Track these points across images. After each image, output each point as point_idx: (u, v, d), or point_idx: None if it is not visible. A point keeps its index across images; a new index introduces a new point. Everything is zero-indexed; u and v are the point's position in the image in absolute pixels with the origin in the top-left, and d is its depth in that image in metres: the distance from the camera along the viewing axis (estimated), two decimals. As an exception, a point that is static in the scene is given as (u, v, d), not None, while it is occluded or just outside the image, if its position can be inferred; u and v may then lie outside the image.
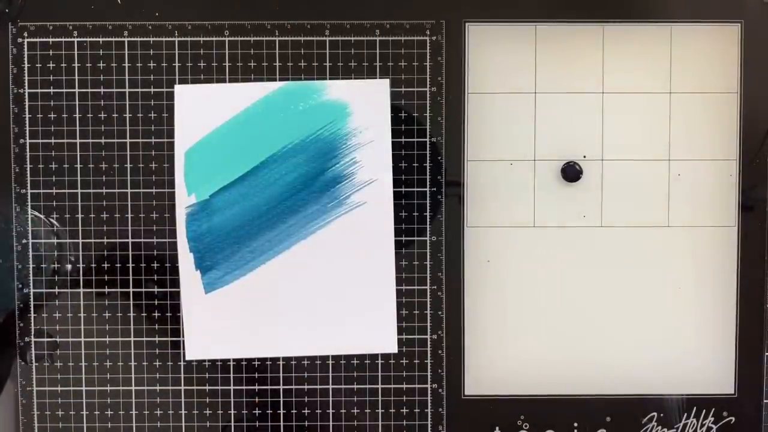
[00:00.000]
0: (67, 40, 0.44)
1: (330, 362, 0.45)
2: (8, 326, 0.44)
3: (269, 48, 0.44)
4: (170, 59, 0.44)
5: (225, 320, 0.44)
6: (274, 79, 0.44)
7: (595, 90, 0.44)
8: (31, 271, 0.44)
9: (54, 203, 0.44)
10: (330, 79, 0.44)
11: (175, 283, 0.44)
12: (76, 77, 0.44)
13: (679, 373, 0.45)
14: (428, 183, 0.44)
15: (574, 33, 0.44)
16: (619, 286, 0.45)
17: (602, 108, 0.44)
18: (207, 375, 0.45)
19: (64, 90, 0.44)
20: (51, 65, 0.44)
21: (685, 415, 0.45)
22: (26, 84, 0.44)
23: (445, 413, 0.45)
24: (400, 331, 0.45)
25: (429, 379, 0.45)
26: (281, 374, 0.45)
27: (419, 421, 0.45)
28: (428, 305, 0.45)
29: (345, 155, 0.44)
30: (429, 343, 0.45)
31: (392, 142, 0.44)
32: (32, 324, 0.44)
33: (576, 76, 0.44)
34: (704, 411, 0.45)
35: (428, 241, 0.44)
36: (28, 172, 0.44)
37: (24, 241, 0.44)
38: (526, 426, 0.45)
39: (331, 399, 0.45)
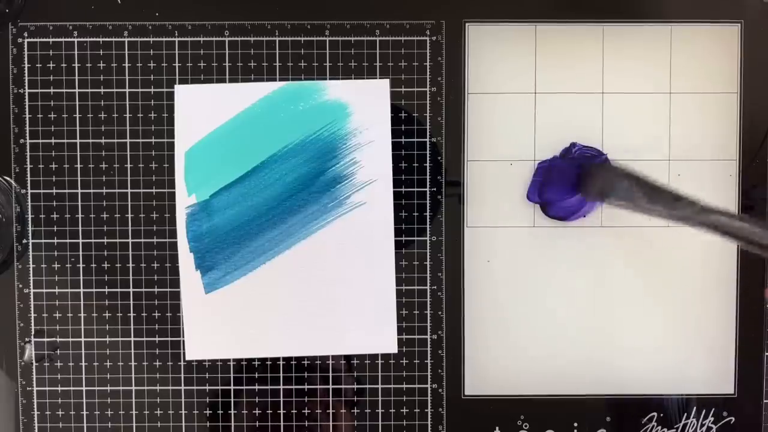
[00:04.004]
0: (67, 40, 0.44)
1: (330, 362, 0.45)
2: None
3: (269, 48, 0.44)
4: (170, 59, 0.44)
5: (225, 320, 0.44)
6: (274, 79, 0.44)
7: (595, 90, 0.44)
8: (31, 271, 0.44)
9: (54, 203, 0.44)
10: (330, 79, 0.44)
11: (175, 283, 0.44)
12: (76, 77, 0.44)
13: (679, 373, 0.45)
14: (428, 183, 0.44)
15: (574, 33, 0.44)
16: (619, 286, 0.45)
17: (602, 108, 0.44)
18: (207, 375, 0.45)
19: (64, 90, 0.44)
20: (51, 65, 0.44)
21: (685, 415, 0.45)
22: (26, 84, 0.44)
23: (445, 413, 0.45)
24: (400, 331, 0.45)
25: (429, 379, 0.45)
26: (281, 374, 0.45)
27: (419, 421, 0.45)
28: (428, 305, 0.45)
29: (345, 155, 0.44)
30: (429, 343, 0.45)
31: (392, 142, 0.44)
32: (32, 324, 0.44)
33: (576, 76, 0.44)
34: (704, 411, 0.45)
35: (428, 241, 0.44)
36: (28, 172, 0.44)
37: (24, 241, 0.44)
38: (526, 426, 0.45)
39: (330, 399, 0.45)
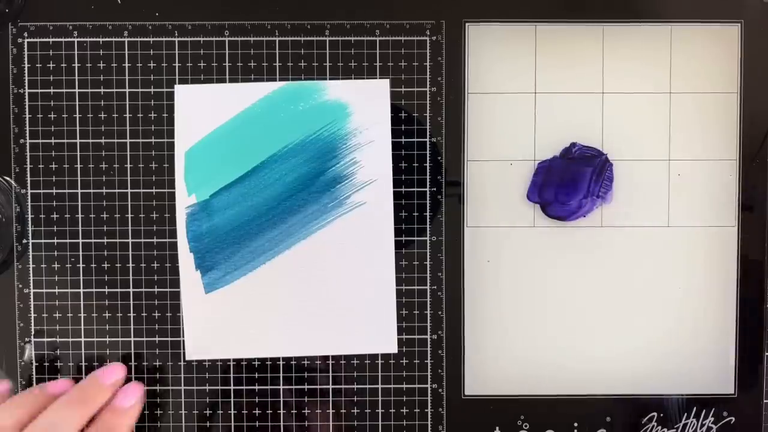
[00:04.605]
0: (67, 40, 0.44)
1: (330, 362, 0.45)
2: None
3: (269, 48, 0.44)
4: (170, 59, 0.44)
5: (225, 320, 0.44)
6: (274, 79, 0.44)
7: (595, 90, 0.44)
8: (31, 271, 0.44)
9: (54, 203, 0.44)
10: (330, 79, 0.44)
11: (175, 283, 0.44)
12: (76, 77, 0.44)
13: (679, 373, 0.45)
14: (428, 183, 0.44)
15: (574, 33, 0.44)
16: (619, 286, 0.45)
17: (602, 108, 0.44)
18: (207, 375, 0.45)
19: (64, 90, 0.44)
20: (51, 65, 0.44)
21: (685, 415, 0.45)
22: (26, 84, 0.44)
23: (445, 413, 0.45)
24: (400, 331, 0.45)
25: (429, 379, 0.45)
26: (281, 374, 0.45)
27: (419, 421, 0.45)
28: (428, 305, 0.45)
29: (345, 155, 0.44)
30: (429, 343, 0.45)
31: (392, 142, 0.44)
32: (32, 324, 0.44)
33: (576, 76, 0.44)
34: (704, 411, 0.45)
35: (428, 241, 0.44)
36: (28, 172, 0.44)
37: (24, 241, 0.44)
38: (526, 426, 0.45)
39: (331, 399, 0.45)
